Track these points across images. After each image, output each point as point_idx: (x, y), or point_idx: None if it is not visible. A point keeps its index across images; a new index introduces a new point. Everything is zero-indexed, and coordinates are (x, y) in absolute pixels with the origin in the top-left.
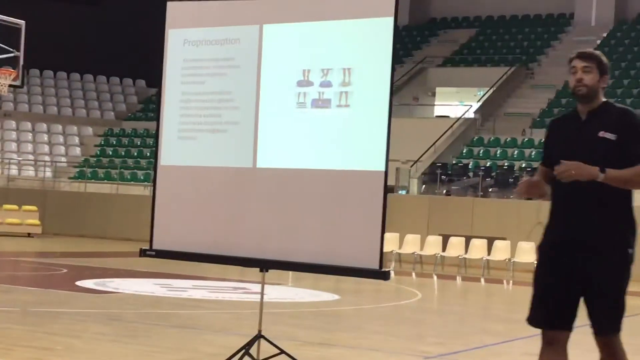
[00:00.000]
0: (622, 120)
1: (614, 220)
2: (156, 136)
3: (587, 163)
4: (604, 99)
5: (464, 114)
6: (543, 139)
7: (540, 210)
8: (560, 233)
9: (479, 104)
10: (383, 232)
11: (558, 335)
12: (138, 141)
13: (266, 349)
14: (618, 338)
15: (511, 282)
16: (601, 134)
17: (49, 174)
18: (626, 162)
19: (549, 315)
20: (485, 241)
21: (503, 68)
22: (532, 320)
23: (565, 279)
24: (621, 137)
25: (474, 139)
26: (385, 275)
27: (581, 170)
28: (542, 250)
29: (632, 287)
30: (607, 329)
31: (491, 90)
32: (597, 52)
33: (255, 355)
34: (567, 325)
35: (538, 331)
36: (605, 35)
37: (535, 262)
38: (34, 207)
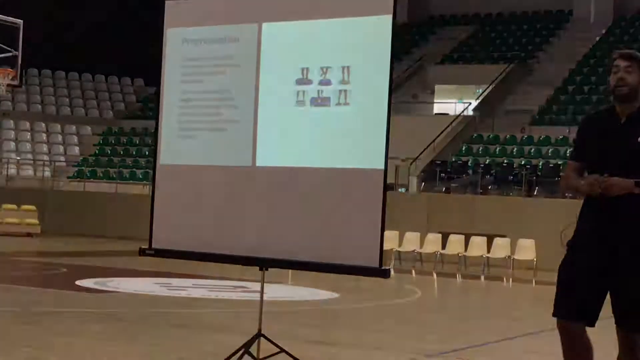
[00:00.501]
0: None
1: None
2: (155, 135)
3: (624, 169)
4: None
5: (463, 112)
6: (574, 136)
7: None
8: (592, 228)
9: (478, 101)
10: (383, 230)
11: (582, 328)
12: (137, 140)
13: (266, 347)
14: None
15: (511, 279)
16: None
17: (47, 173)
18: None
19: (574, 308)
20: (484, 239)
21: (502, 65)
22: (557, 312)
23: (592, 273)
24: None
25: (473, 137)
26: (385, 273)
27: (618, 184)
28: (571, 244)
29: None
30: (632, 325)
31: (490, 88)
32: (638, 54)
33: (255, 354)
34: (591, 318)
35: (539, 328)
36: (604, 32)
37: (565, 255)
38: (32, 207)
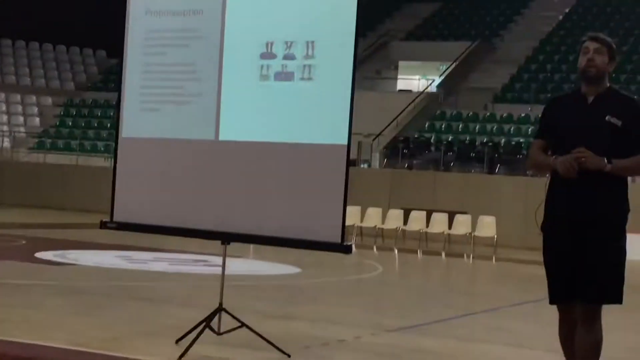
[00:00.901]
0: (628, 108)
1: (612, 196)
2: (117, 107)
3: (594, 146)
4: (608, 84)
5: (426, 88)
6: (539, 115)
7: (509, 184)
8: (562, 209)
9: (442, 78)
10: (345, 206)
11: (572, 307)
12: (98, 112)
13: (227, 321)
14: (600, 311)
15: (472, 256)
16: (608, 118)
17: (7, 144)
18: (628, 149)
19: (561, 290)
20: (446, 215)
21: (466, 42)
22: (550, 297)
23: (570, 253)
24: (626, 124)
25: (436, 114)
26: (347, 249)
27: (592, 160)
28: (545, 228)
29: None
30: (593, 298)
31: (454, 65)
32: (609, 39)
33: (216, 328)
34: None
35: (498, 305)
36: (567, 10)
37: (542, 241)
38: None
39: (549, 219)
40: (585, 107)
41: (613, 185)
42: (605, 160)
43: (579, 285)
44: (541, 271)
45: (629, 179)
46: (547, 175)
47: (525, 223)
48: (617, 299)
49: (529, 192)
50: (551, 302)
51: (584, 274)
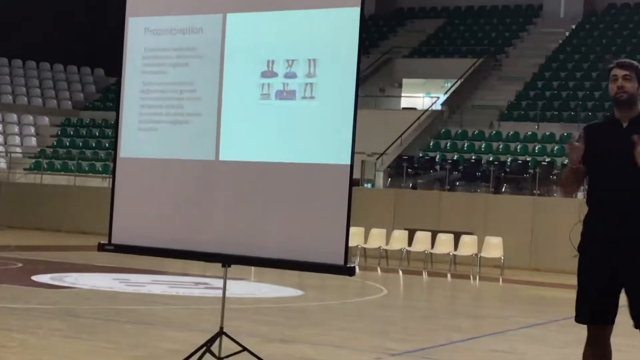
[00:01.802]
0: None
1: None
2: (115, 127)
3: (631, 169)
4: None
5: (430, 106)
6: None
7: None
8: (600, 231)
9: (446, 96)
10: (348, 227)
11: (602, 330)
12: (96, 132)
13: (228, 345)
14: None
15: (478, 277)
16: None
17: (3, 164)
18: None
19: (593, 312)
20: (452, 236)
21: (471, 59)
22: (578, 317)
23: (606, 276)
24: None
25: (441, 132)
26: (350, 271)
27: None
28: (582, 249)
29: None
30: None
31: (458, 82)
32: (635, 62)
33: (216, 353)
34: (609, 319)
35: (505, 327)
36: (573, 27)
37: (578, 261)
38: None
39: (586, 239)
40: (622, 132)
41: None
42: None
43: (634, 312)
44: (549, 293)
45: None
46: (581, 195)
47: (532, 243)
48: None
49: (536, 212)
50: (582, 322)
51: (633, 298)
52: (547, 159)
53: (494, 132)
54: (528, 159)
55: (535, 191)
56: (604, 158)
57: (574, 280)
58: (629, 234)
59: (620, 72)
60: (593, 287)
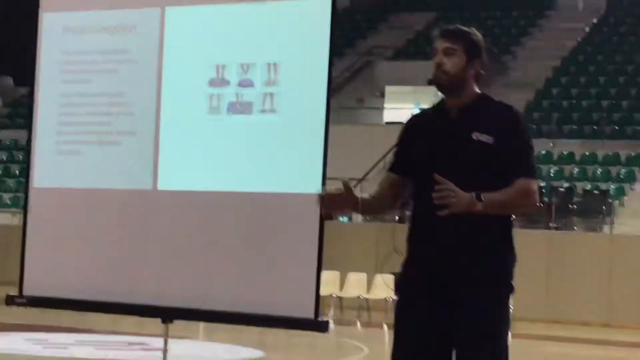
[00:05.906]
0: (503, 120)
1: (492, 246)
2: (28, 149)
3: (455, 174)
4: (478, 91)
5: None
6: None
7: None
8: (424, 265)
9: None
10: (319, 271)
11: None
12: (4, 156)
13: None
14: None
15: None
16: (475, 135)
17: None
18: (504, 175)
19: None
20: None
21: None
22: None
23: (433, 324)
24: (500, 141)
25: None
26: (322, 326)
27: (458, 202)
28: (401, 287)
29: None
30: None
31: None
32: (467, 29)
33: None
34: None
35: None
36: (595, 21)
37: (394, 303)
38: None
39: (405, 275)
40: (446, 125)
41: (489, 229)
42: (474, 196)
43: None
44: (567, 349)
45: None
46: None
47: (547, 289)
48: None
49: (552, 250)
50: None
51: (467, 349)
52: (565, 184)
53: None
54: (542, 184)
55: (551, 224)
56: (425, 163)
57: (606, 334)
58: (462, 268)
59: (441, 45)
60: (415, 337)
